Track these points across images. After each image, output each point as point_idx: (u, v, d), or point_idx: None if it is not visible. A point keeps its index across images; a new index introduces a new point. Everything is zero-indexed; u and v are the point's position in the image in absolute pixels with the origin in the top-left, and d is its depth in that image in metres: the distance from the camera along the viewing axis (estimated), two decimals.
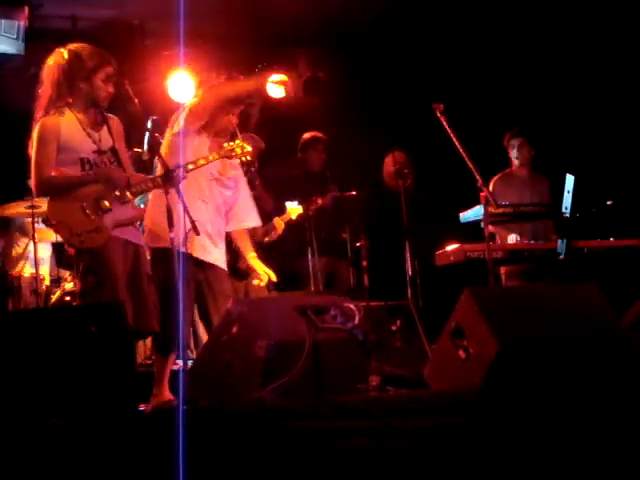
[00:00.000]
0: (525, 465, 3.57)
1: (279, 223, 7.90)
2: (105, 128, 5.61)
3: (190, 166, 5.73)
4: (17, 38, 8.54)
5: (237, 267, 6.99)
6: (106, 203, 5.44)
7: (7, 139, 6.99)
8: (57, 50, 5.62)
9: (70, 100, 5.54)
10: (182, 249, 5.45)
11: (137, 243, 5.70)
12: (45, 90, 5.57)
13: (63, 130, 5.49)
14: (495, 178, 8.40)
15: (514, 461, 3.57)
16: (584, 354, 4.47)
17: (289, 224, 8.06)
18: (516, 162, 8.54)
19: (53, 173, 5.44)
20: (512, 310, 4.56)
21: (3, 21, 8.51)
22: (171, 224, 5.13)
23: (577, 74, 9.54)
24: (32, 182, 5.51)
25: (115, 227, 5.48)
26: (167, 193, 5.31)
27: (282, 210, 8.09)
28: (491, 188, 7.95)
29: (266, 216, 7.61)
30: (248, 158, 6.05)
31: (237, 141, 6.05)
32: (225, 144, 6.03)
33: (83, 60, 5.52)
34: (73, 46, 5.61)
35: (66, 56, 5.54)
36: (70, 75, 5.52)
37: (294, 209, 8.03)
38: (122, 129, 5.81)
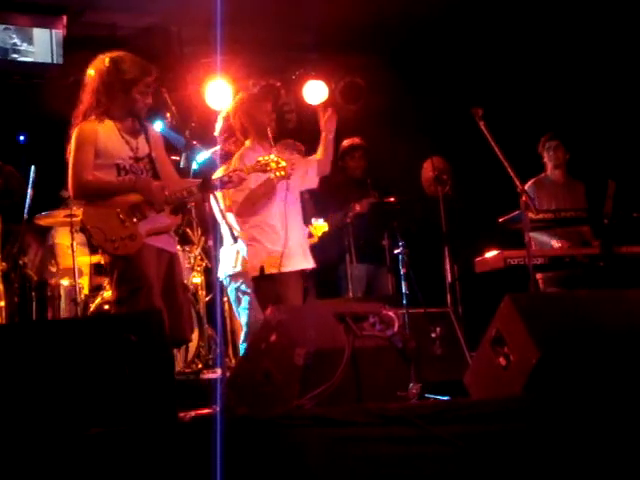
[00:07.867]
0: (565, 473, 3.54)
1: (315, 232, 7.76)
2: (143, 136, 5.64)
3: (225, 178, 5.76)
4: (58, 49, 8.60)
5: None
6: (142, 211, 5.46)
7: (46, 148, 7.02)
8: (99, 57, 5.63)
9: (109, 108, 5.56)
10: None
11: (172, 251, 5.70)
12: (85, 97, 5.61)
13: (101, 135, 5.52)
14: (529, 183, 8.19)
15: (554, 469, 3.55)
16: (626, 361, 4.42)
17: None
18: (551, 164, 8.41)
19: (90, 177, 5.47)
20: (553, 317, 4.53)
21: (53, 34, 8.56)
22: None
23: (611, 79, 9.47)
24: (69, 185, 5.52)
25: (149, 235, 5.49)
26: (205, 201, 5.30)
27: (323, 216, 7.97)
28: None
29: (308, 221, 7.58)
30: (282, 173, 6.03)
31: (272, 156, 6.04)
32: (260, 158, 6.03)
33: (122, 71, 5.52)
34: (115, 54, 5.61)
35: (107, 64, 5.55)
36: (109, 85, 5.54)
37: (320, 226, 7.85)
38: (161, 138, 5.83)
